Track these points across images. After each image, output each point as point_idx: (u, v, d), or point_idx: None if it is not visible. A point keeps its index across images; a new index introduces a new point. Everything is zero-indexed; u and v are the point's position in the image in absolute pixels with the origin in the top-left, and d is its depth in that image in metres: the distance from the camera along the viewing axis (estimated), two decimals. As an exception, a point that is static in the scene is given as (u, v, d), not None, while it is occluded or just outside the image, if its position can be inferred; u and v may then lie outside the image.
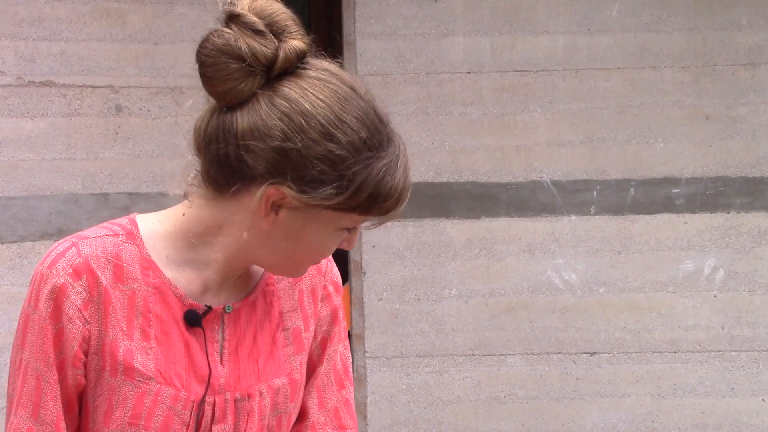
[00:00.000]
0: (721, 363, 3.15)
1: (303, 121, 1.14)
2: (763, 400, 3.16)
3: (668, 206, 3.16)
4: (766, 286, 3.19)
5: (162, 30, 3.15)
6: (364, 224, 1.24)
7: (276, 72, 1.15)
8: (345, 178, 1.16)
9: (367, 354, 3.16)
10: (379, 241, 3.25)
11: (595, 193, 3.17)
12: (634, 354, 3.17)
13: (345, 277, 3.21)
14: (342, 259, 2.92)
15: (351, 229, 1.24)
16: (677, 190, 3.18)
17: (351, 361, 1.45)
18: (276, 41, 1.14)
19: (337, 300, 1.39)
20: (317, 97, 1.15)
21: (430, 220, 3.28)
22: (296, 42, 1.15)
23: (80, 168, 3.01)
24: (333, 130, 1.14)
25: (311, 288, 1.36)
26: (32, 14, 3.08)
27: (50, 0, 3.08)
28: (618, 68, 3.27)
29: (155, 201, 3.01)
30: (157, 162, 3.08)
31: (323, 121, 1.14)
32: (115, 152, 3.05)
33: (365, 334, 3.17)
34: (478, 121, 3.26)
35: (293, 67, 1.16)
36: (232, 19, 1.14)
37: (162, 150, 3.08)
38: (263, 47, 1.14)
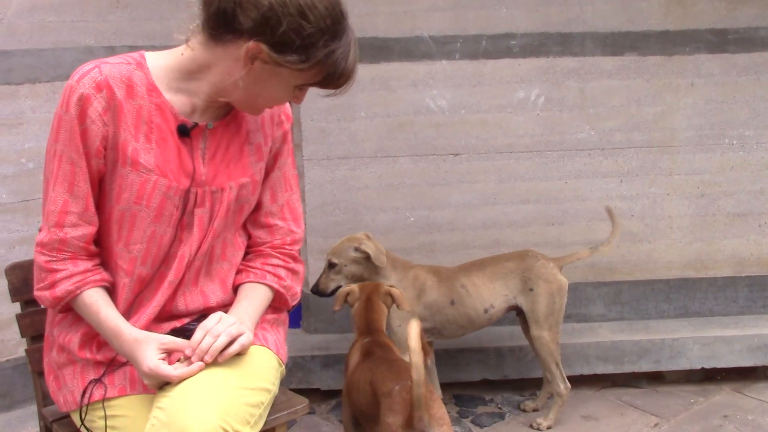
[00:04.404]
0: (540, 158, 3.34)
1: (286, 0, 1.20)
2: (565, 182, 3.38)
3: (508, 53, 3.24)
4: (570, 107, 3.30)
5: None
6: (325, 94, 1.26)
7: None
8: (309, 52, 1.23)
9: (304, 157, 3.23)
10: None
11: (459, 44, 3.22)
12: (483, 154, 3.30)
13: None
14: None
15: (302, 87, 1.32)
16: (514, 42, 3.25)
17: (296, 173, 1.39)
18: None
19: (288, 125, 1.48)
20: None
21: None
22: None
23: (93, 28, 2.99)
24: (307, 12, 1.21)
25: (270, 115, 1.45)
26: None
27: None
28: None
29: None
30: (149, 23, 3.07)
31: (301, 3, 1.21)
32: (118, 16, 3.04)
33: (303, 144, 3.22)
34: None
35: None
36: None
37: (151, 15, 3.08)
38: None
